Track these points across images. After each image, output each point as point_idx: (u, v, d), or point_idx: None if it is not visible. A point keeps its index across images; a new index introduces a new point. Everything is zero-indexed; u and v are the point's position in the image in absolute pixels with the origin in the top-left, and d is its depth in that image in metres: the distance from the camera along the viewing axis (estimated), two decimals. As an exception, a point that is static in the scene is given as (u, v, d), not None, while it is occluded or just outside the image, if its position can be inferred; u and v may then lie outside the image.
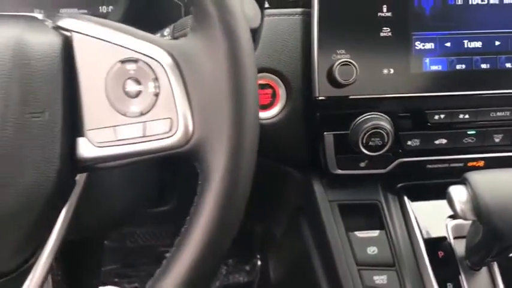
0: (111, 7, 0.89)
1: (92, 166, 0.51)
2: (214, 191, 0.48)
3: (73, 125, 0.49)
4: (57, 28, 0.51)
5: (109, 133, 0.49)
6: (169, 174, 0.98)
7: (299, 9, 0.74)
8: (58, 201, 0.51)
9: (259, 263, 1.48)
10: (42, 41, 0.49)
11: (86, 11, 0.90)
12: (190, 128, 0.48)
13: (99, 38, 0.49)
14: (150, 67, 0.48)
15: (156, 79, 0.48)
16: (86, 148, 0.49)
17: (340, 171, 0.77)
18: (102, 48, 0.49)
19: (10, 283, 0.52)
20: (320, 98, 0.72)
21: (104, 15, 0.89)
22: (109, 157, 0.50)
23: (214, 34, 0.48)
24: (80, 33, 0.49)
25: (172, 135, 0.49)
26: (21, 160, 0.47)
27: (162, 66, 0.48)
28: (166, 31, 0.64)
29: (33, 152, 0.47)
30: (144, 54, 0.48)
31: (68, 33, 0.50)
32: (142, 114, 0.49)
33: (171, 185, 1.05)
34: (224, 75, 0.48)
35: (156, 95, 0.48)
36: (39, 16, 0.55)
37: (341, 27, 0.71)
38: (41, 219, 0.50)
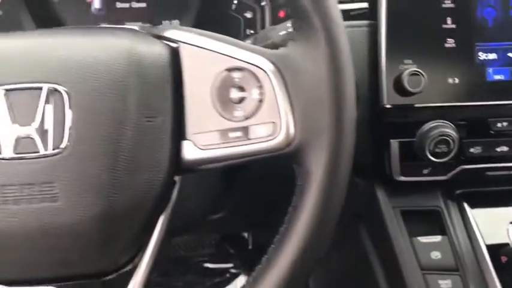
0: (175, 21, 0.93)
1: (194, 167, 0.53)
2: (315, 191, 0.51)
3: (179, 129, 0.52)
4: (163, 38, 0.54)
5: (214, 136, 0.52)
6: (224, 183, 1.01)
7: (366, 22, 0.77)
8: (163, 202, 0.53)
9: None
10: (151, 51, 0.52)
11: (149, 25, 0.93)
12: (292, 131, 0.51)
13: (205, 48, 0.52)
14: (255, 75, 0.51)
15: (260, 86, 0.51)
16: (190, 150, 0.52)
17: (403, 178, 0.79)
18: (209, 57, 0.52)
19: (112, 283, 0.55)
20: (387, 106, 0.75)
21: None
22: (213, 159, 0.52)
23: (317, 42, 0.51)
24: (187, 43, 0.53)
25: (274, 138, 0.51)
26: (135, 161, 0.50)
27: (266, 73, 0.51)
28: (248, 43, 0.67)
29: (145, 154, 0.50)
30: (249, 63, 0.51)
31: (174, 44, 0.53)
32: (246, 118, 0.52)
33: (223, 193, 1.07)
34: (325, 79, 0.50)
35: (260, 101, 0.51)
36: (136, 28, 0.58)
37: (407, 39, 0.74)
38: (149, 220, 0.52)
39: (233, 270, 1.51)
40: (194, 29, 0.54)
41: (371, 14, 0.77)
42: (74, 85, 0.49)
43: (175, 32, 0.54)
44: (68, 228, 0.49)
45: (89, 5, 0.92)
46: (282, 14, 0.92)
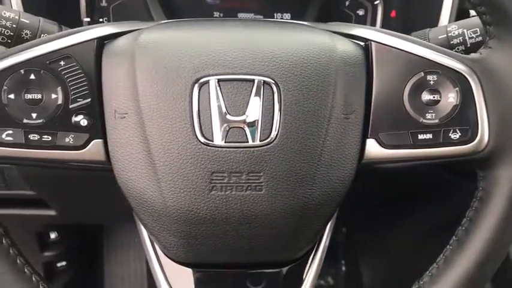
0: (287, 14, 0.94)
1: (374, 165, 0.55)
2: (503, 198, 0.52)
3: (367, 127, 0.54)
4: (349, 36, 0.55)
5: (402, 137, 0.53)
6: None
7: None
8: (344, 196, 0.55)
9: (343, 268, 1.51)
10: (348, 48, 0.54)
11: (261, 16, 0.94)
12: (486, 137, 0.53)
13: (400, 49, 0.53)
14: (451, 79, 0.53)
15: (457, 90, 0.53)
16: (374, 148, 0.54)
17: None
18: (405, 58, 0.53)
19: (290, 272, 0.57)
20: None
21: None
22: (397, 159, 0.54)
23: None
24: (379, 42, 0.54)
25: (467, 143, 0.53)
26: (331, 156, 0.51)
27: (465, 78, 0.53)
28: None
29: (340, 149, 0.52)
30: (446, 67, 0.53)
31: (361, 42, 0.55)
32: (439, 122, 0.53)
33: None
34: None
35: (456, 105, 0.53)
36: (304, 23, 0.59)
37: None
38: (332, 213, 0.54)
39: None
40: (382, 29, 0.56)
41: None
42: (285, 79, 0.50)
43: (365, 30, 0.55)
44: (266, 217, 0.50)
45: (204, -7, 0.93)
46: (393, 13, 0.93)
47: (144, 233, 0.58)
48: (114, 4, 0.90)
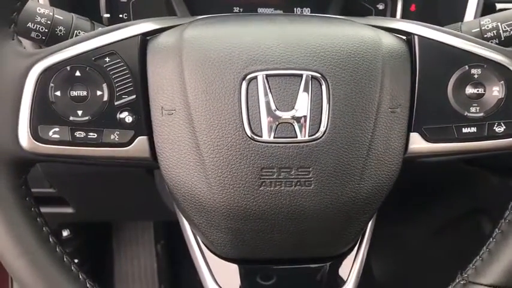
0: (307, 9, 0.94)
1: (416, 159, 0.55)
2: None
3: (411, 121, 0.54)
4: (391, 30, 0.55)
5: (446, 131, 0.53)
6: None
7: None
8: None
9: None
10: (392, 42, 0.54)
11: (281, 11, 0.94)
12: None
13: (444, 43, 0.53)
14: (496, 72, 0.53)
15: (502, 84, 0.53)
16: (417, 142, 0.54)
17: None
18: (448, 52, 0.53)
19: (333, 267, 0.57)
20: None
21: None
22: (441, 152, 0.54)
23: None
24: (422, 36, 0.54)
25: (509, 137, 0.53)
26: (379, 151, 0.51)
27: (511, 71, 0.53)
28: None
29: (386, 143, 0.52)
30: (492, 60, 0.53)
31: (403, 36, 0.55)
32: (484, 115, 0.53)
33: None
34: None
35: (500, 98, 0.53)
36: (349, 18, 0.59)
37: None
38: (378, 207, 0.54)
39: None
40: (423, 23, 0.56)
41: None
42: (333, 74, 0.50)
43: (407, 24, 0.55)
44: (315, 212, 0.51)
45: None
46: (413, 7, 0.93)
47: (188, 229, 0.58)
48: (134, 0, 0.90)
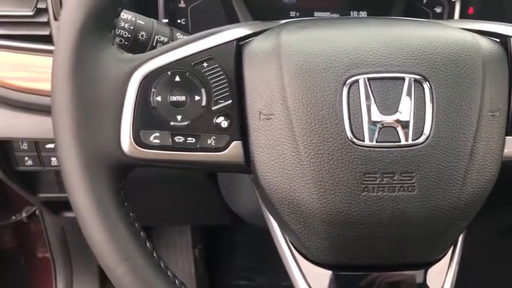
0: (363, 13, 0.93)
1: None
2: None
3: (508, 125, 0.53)
4: (482, 33, 0.55)
5: None
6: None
7: None
8: None
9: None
10: (489, 45, 0.53)
11: (337, 15, 0.94)
12: None
13: None
14: None
15: None
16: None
17: None
18: None
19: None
20: None
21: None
22: None
23: None
24: None
25: None
26: (479, 154, 0.51)
27: None
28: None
29: (486, 148, 0.51)
30: None
31: (496, 39, 0.54)
32: None
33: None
34: None
35: None
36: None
37: None
38: (477, 212, 0.54)
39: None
40: None
41: None
42: (436, 77, 0.50)
43: (501, 27, 0.55)
44: (417, 218, 0.50)
45: (282, -7, 0.92)
46: (471, 10, 0.93)
47: (278, 234, 0.58)
48: (193, 5, 0.90)
